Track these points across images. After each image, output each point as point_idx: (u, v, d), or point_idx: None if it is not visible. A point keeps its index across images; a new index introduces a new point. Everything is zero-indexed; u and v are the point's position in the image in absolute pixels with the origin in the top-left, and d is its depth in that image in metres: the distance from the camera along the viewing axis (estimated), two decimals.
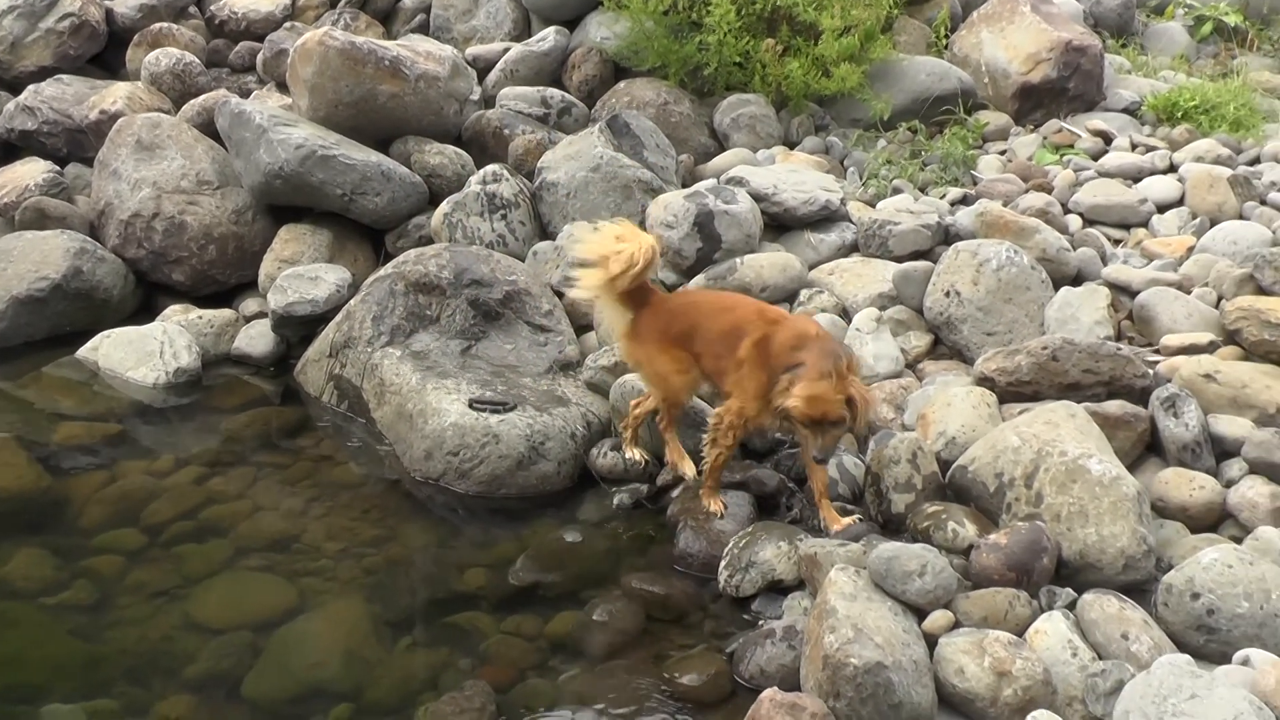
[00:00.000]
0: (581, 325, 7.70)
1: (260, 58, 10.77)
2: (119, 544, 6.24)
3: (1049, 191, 8.27)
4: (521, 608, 5.68)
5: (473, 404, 6.70)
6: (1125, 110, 9.82)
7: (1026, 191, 8.25)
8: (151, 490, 6.74)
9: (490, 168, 8.43)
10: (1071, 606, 4.96)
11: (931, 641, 4.84)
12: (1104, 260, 7.30)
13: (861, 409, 5.46)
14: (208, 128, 9.34)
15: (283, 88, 10.12)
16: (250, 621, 5.65)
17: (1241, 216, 7.73)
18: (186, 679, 5.30)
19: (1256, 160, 8.71)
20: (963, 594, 4.99)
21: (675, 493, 6.40)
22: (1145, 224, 7.93)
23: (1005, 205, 7.76)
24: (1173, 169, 8.58)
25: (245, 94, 10.47)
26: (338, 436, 7.32)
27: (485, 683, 5.17)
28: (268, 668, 5.38)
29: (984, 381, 6.15)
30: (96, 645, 5.53)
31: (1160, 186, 8.20)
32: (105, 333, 8.26)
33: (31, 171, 9.28)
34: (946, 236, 7.56)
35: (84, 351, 8.16)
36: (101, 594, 5.87)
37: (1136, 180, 8.42)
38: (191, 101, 9.83)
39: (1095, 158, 8.93)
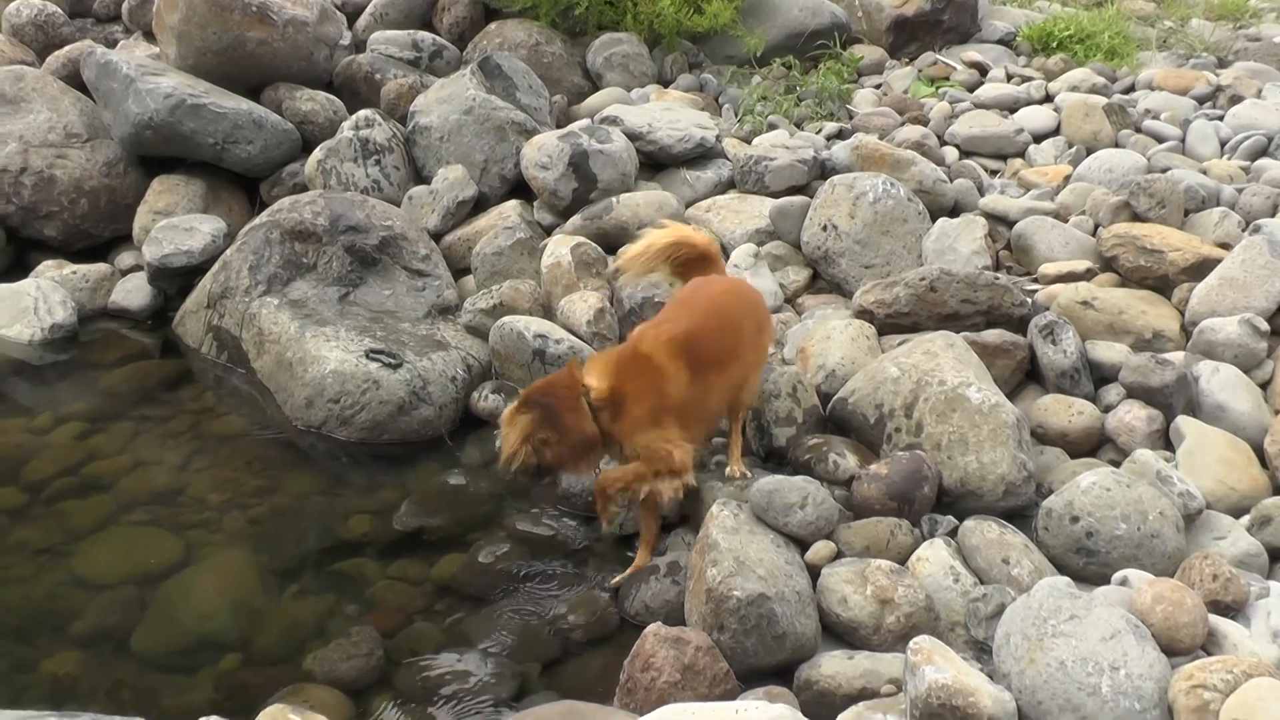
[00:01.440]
0: (459, 269, 7.67)
1: (125, 6, 10.52)
2: (0, 502, 6.13)
3: (925, 124, 8.36)
4: (406, 553, 5.68)
5: (369, 353, 6.65)
6: (1000, 41, 9.94)
7: (902, 124, 8.33)
8: (31, 448, 6.63)
9: (363, 113, 8.33)
10: (953, 534, 5.04)
11: (814, 572, 4.88)
12: (981, 191, 7.39)
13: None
14: (74, 79, 9.11)
15: (150, 37, 9.92)
16: (136, 576, 5.60)
17: (1117, 144, 7.87)
18: (73, 635, 5.24)
19: (1131, 88, 8.86)
20: (845, 524, 5.05)
21: None
22: (1022, 154, 8.05)
23: (881, 139, 7.83)
24: (1048, 99, 8.70)
25: (111, 44, 10.24)
26: (218, 388, 7.24)
27: (372, 628, 5.16)
28: (155, 621, 5.33)
29: (863, 314, 6.21)
30: None
31: (1036, 116, 8.32)
32: None
33: None
34: (823, 171, 7.60)
35: None
36: None
37: (1013, 111, 8.54)
38: (56, 53, 9.56)
39: (971, 89, 9.03)
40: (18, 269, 8.56)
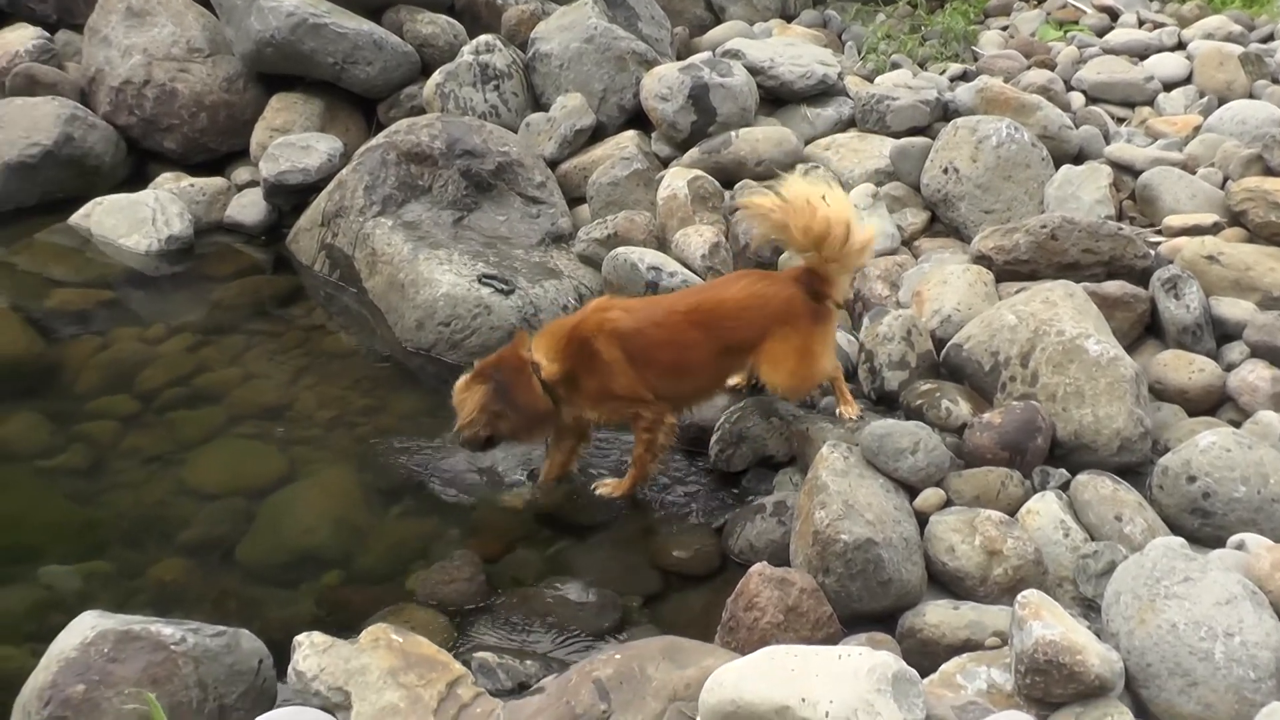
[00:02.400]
0: (574, 198, 7.65)
1: None
2: (113, 409, 6.25)
3: (1052, 68, 8.20)
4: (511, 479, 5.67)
5: (482, 279, 6.65)
6: None
7: (1029, 68, 8.18)
8: (144, 357, 6.73)
9: (483, 38, 8.29)
10: (1065, 487, 4.95)
11: (922, 519, 4.83)
12: (1107, 139, 7.24)
13: None
14: None
15: None
16: (243, 488, 5.68)
17: (1251, 95, 7.66)
18: (180, 543, 5.34)
19: (1270, 38, 8.59)
20: (955, 472, 4.98)
21: None
22: (1150, 102, 7.86)
23: (1006, 82, 7.67)
24: (1181, 46, 8.49)
25: None
26: (329, 306, 7.29)
27: (474, 553, 5.20)
28: (260, 534, 5.41)
29: (981, 259, 6.10)
30: (91, 509, 5.57)
31: (1167, 64, 8.12)
32: (97, 200, 8.18)
33: (21, 38, 9.12)
34: (945, 113, 7.48)
35: (76, 218, 8.08)
36: (96, 458, 5.89)
37: (1143, 57, 8.35)
38: None
39: (1100, 34, 8.85)
40: (137, 180, 8.66)
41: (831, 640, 4.37)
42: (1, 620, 4.86)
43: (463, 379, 5.42)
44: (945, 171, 6.69)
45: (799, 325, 5.34)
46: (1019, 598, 3.91)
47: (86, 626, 4.21)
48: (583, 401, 5.36)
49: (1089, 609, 4.47)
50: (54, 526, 5.48)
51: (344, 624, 4.78)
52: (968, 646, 4.33)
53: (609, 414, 5.43)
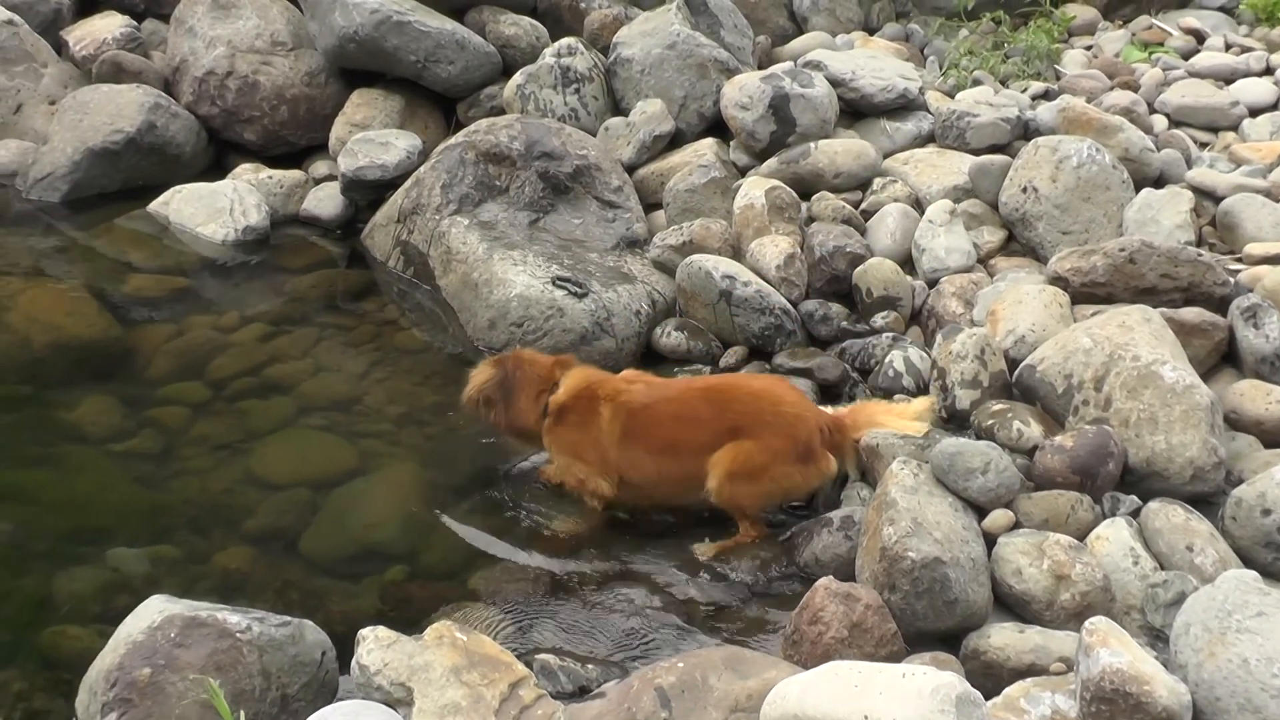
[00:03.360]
0: (651, 204, 7.64)
1: None
2: (184, 396, 6.34)
3: (1135, 90, 8.10)
4: None
5: (556, 281, 6.68)
6: (1221, 8, 9.55)
7: (1112, 89, 8.09)
8: (217, 345, 6.82)
9: (565, 41, 8.32)
10: (1135, 514, 4.89)
11: (990, 540, 4.80)
12: (1189, 163, 7.14)
13: None
14: None
15: None
16: (310, 479, 5.75)
17: None
18: (246, 531, 5.41)
19: None
20: (1024, 494, 4.93)
21: None
22: (1235, 128, 7.76)
23: (1088, 102, 7.59)
24: (1269, 72, 8.36)
25: None
26: (402, 302, 7.33)
27: (539, 553, 5.26)
28: (326, 526, 5.47)
29: (1057, 281, 6.04)
30: (159, 493, 5.65)
31: (1254, 89, 8.01)
32: (176, 188, 8.29)
33: (109, 25, 9.24)
34: (1026, 131, 7.40)
35: (155, 205, 8.19)
36: (166, 444, 5.97)
37: (1228, 82, 8.23)
38: None
39: (1186, 57, 8.73)
40: (216, 170, 8.78)
41: (895, 658, 4.35)
42: (70, 600, 4.92)
43: (495, 356, 5.80)
44: (1024, 190, 6.64)
45: (783, 445, 5.27)
46: (1087, 624, 3.88)
47: (154, 611, 4.25)
48: (555, 442, 5.53)
49: (1156, 639, 4.43)
50: (122, 509, 5.56)
51: (406, 620, 4.81)
52: (1032, 671, 4.30)
53: (560, 469, 5.58)
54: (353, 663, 4.20)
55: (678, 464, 5.36)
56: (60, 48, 9.27)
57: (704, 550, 5.31)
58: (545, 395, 5.50)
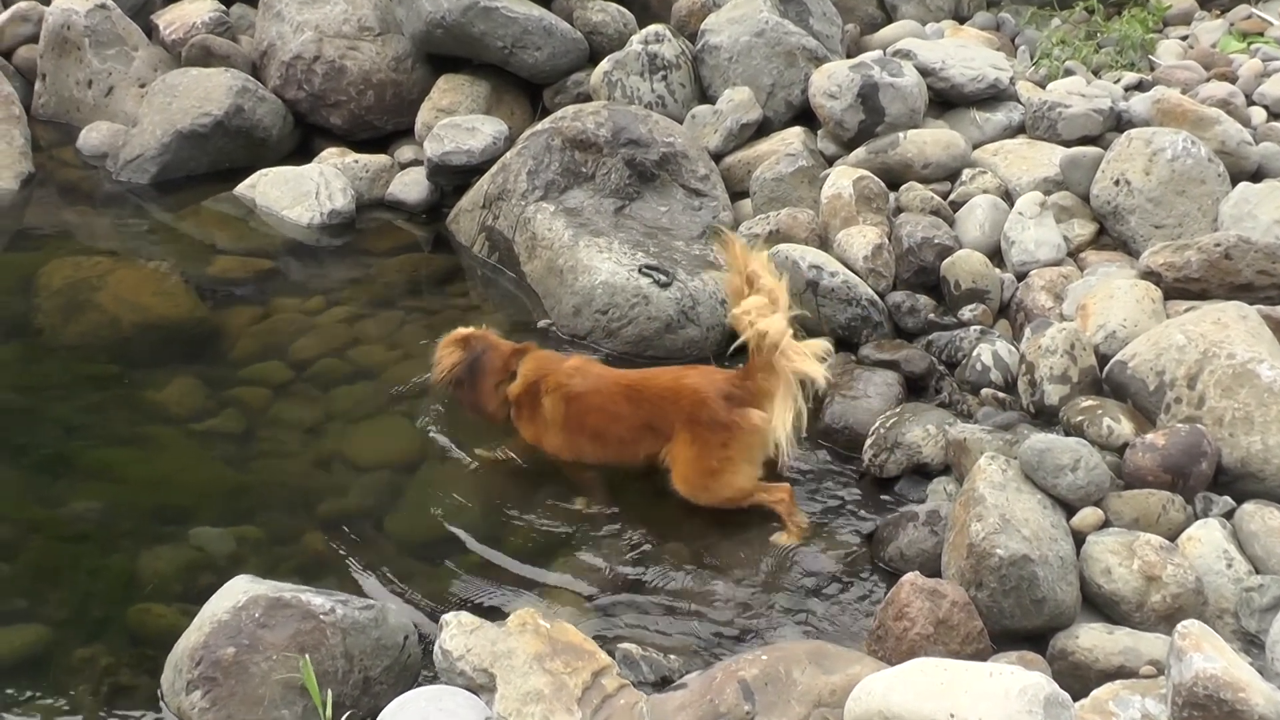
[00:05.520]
0: (737, 192, 7.59)
1: None
2: (268, 377, 6.39)
3: (1232, 81, 7.97)
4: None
5: (643, 269, 6.67)
6: None
7: (1208, 80, 7.96)
8: (301, 327, 6.86)
9: (653, 28, 8.27)
10: (1229, 516, 4.81)
11: (1079, 539, 4.73)
12: None
13: None
14: None
15: None
16: (393, 462, 5.78)
17: None
18: (328, 513, 5.45)
19: None
20: (1114, 493, 4.86)
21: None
22: None
23: (1184, 93, 7.47)
24: None
25: None
26: (486, 287, 7.35)
27: (622, 542, 5.25)
28: (408, 509, 5.49)
29: (1149, 275, 5.96)
30: (242, 474, 5.70)
31: None
32: (263, 171, 8.36)
33: (198, 9, 9.33)
34: (1119, 123, 7.29)
35: (242, 188, 8.26)
36: (249, 425, 6.03)
37: None
38: None
39: None
40: (302, 153, 8.83)
41: (980, 656, 4.31)
42: (155, 578, 4.98)
43: (460, 331, 5.94)
44: (1116, 183, 6.54)
45: (698, 433, 5.35)
46: (1179, 627, 3.81)
47: (239, 591, 4.30)
48: (520, 429, 5.79)
49: (1251, 644, 4.36)
50: (206, 489, 5.60)
51: (487, 605, 4.84)
52: (1121, 673, 4.24)
53: (525, 447, 5.82)
54: (435, 647, 4.23)
55: (607, 451, 5.63)
56: (150, 31, 9.37)
57: (783, 538, 5.30)
58: (504, 385, 5.74)
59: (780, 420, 5.26)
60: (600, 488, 5.60)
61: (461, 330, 5.93)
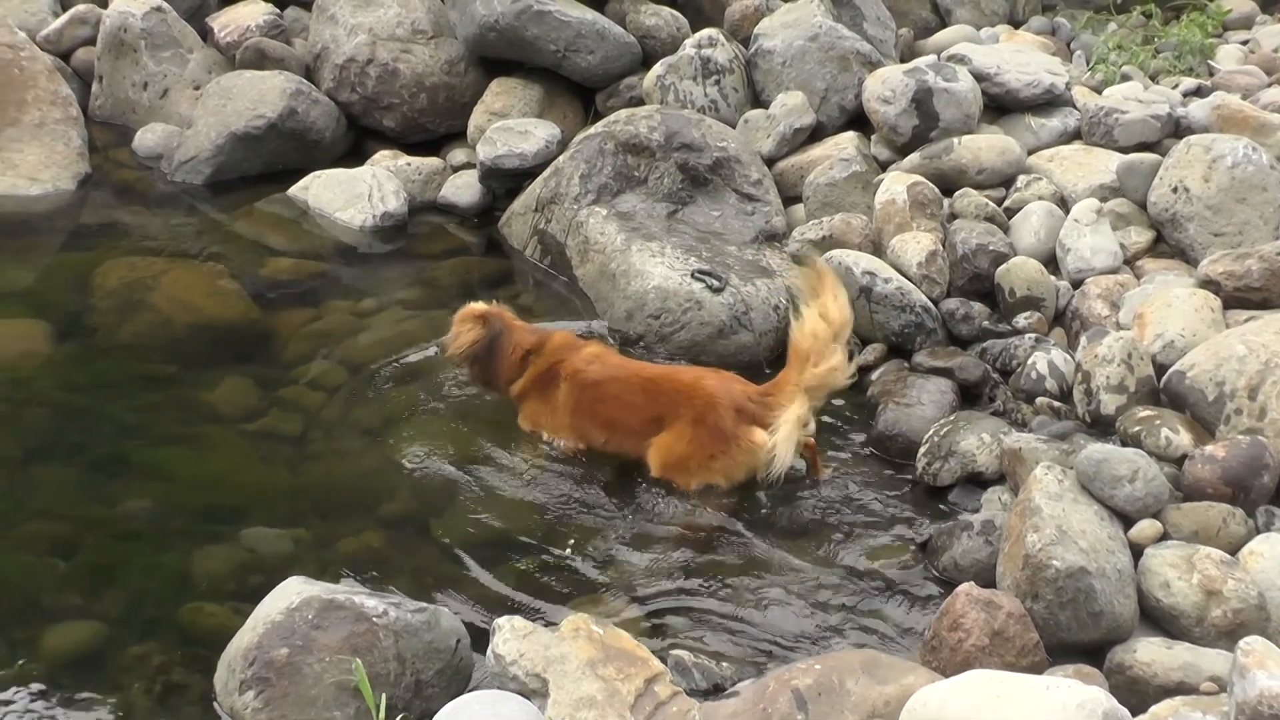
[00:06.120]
0: (790, 197, 7.57)
1: None
2: (320, 379, 6.41)
3: None
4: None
5: (695, 274, 6.66)
6: None
7: (1269, 85, 7.90)
8: (353, 329, 6.89)
9: (706, 32, 8.26)
10: None
11: (1137, 551, 4.66)
12: None
13: None
14: None
15: None
16: (444, 465, 5.75)
17: None
18: (380, 515, 5.46)
19: None
20: (1173, 505, 4.79)
21: (876, 373, 6.34)
22: None
23: (1244, 99, 7.40)
24: None
25: None
26: (538, 291, 7.36)
27: (675, 548, 5.24)
28: (461, 512, 5.48)
29: (1208, 284, 5.90)
30: (295, 475, 5.73)
31: None
32: (316, 173, 8.39)
33: (252, 12, 9.38)
34: (1177, 129, 7.22)
35: (295, 190, 8.30)
36: (301, 426, 6.05)
37: None
38: None
39: None
40: (354, 156, 8.85)
41: (1036, 669, 4.26)
42: (207, 578, 5.00)
43: (477, 306, 6.03)
44: (1174, 190, 6.48)
45: (696, 434, 5.47)
46: (1242, 644, 3.75)
47: (292, 592, 4.31)
48: (525, 408, 5.97)
49: None
50: (258, 490, 5.64)
51: (540, 610, 4.85)
52: (1181, 689, 4.18)
53: (528, 418, 6.00)
54: (488, 651, 4.23)
55: (617, 440, 5.73)
56: (205, 34, 9.41)
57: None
58: (520, 366, 5.89)
59: (783, 446, 5.28)
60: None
61: (477, 306, 6.00)
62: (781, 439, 5.28)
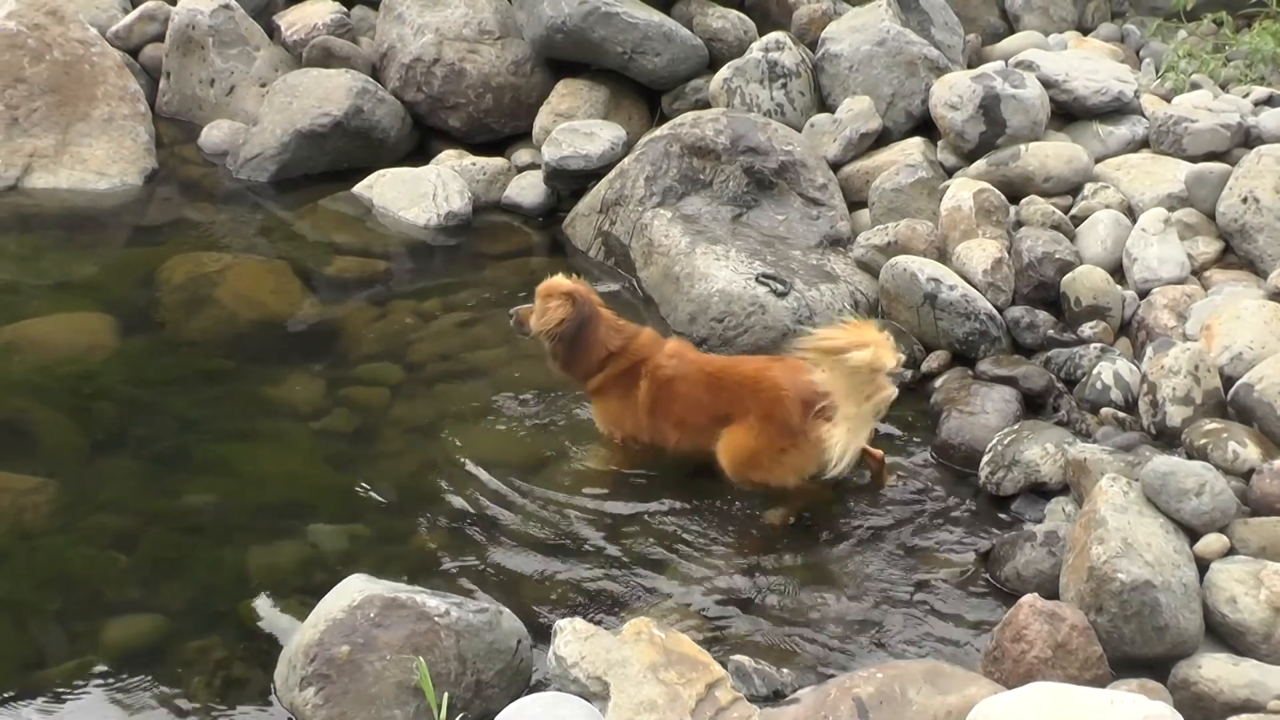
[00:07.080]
0: (855, 202, 7.55)
1: None
2: (383, 377, 6.45)
3: None
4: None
5: (760, 278, 6.65)
6: None
7: None
8: (416, 328, 6.93)
9: (773, 35, 8.25)
10: None
11: (1203, 566, 4.62)
12: None
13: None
14: None
15: None
16: (506, 465, 5.78)
17: None
18: (441, 514, 5.47)
19: None
20: (1240, 519, 4.75)
21: (939, 381, 6.31)
22: None
23: None
24: None
25: None
26: (602, 292, 7.32)
27: (737, 553, 5.25)
28: (520, 511, 5.49)
29: (1278, 296, 5.84)
30: (357, 472, 5.74)
31: None
32: (381, 171, 8.45)
33: (320, 11, 9.44)
34: (1247, 139, 7.15)
35: (359, 188, 8.35)
36: (363, 423, 6.09)
37: None
38: None
39: None
40: (419, 155, 8.90)
41: (1099, 682, 4.23)
42: (272, 574, 5.04)
43: (563, 281, 5.81)
44: (1244, 201, 6.42)
45: (765, 429, 5.37)
46: None
47: (354, 590, 4.34)
48: (600, 395, 5.84)
49: None
50: (320, 486, 5.67)
51: (600, 612, 4.86)
52: (1247, 707, 4.15)
53: (599, 415, 5.92)
54: (549, 653, 4.24)
55: (688, 438, 5.64)
56: (272, 32, 9.50)
57: (774, 516, 5.44)
58: (608, 360, 5.72)
59: (848, 440, 5.16)
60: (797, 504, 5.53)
61: (562, 281, 5.81)
62: (850, 429, 5.16)
